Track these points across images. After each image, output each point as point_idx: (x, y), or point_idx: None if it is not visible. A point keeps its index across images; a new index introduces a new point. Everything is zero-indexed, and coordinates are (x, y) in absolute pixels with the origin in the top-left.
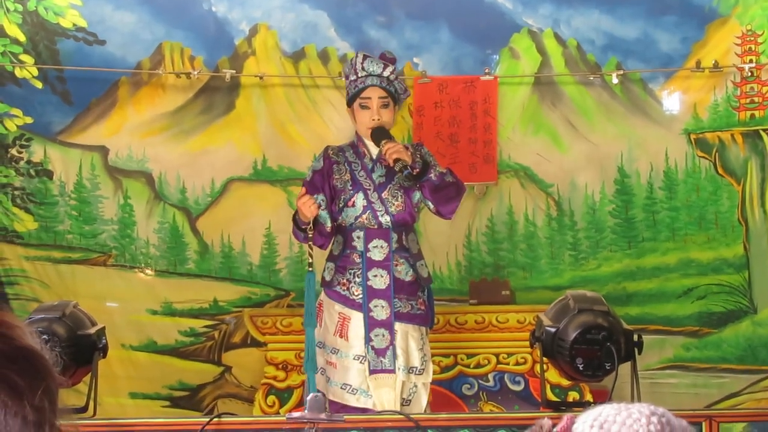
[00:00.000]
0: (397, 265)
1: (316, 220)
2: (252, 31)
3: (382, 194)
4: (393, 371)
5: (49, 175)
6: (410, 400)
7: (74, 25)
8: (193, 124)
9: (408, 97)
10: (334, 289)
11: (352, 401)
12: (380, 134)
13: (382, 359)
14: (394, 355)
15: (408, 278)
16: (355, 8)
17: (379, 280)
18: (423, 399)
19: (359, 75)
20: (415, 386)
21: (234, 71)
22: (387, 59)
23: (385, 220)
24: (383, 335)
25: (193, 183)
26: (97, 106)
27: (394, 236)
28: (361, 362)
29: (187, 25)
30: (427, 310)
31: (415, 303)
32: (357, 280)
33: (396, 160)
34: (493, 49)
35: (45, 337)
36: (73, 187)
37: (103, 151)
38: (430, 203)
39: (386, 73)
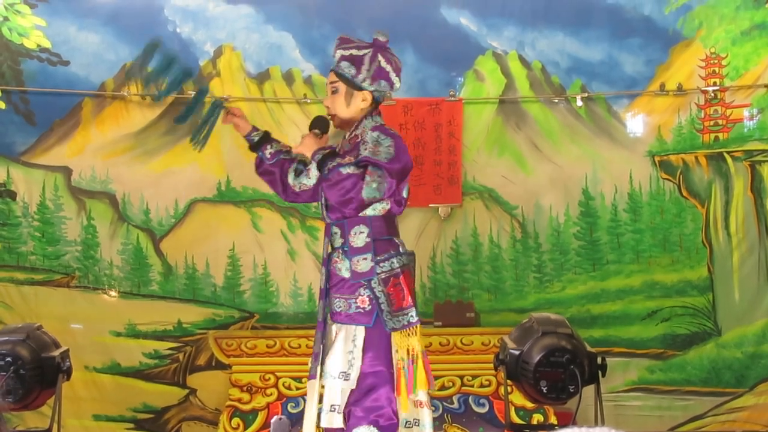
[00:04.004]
0: (337, 262)
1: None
2: (217, 53)
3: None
4: (314, 377)
5: (12, 195)
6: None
7: (38, 45)
8: (156, 145)
9: (377, 78)
10: None
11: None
12: (313, 124)
13: (312, 364)
14: (318, 360)
15: (347, 275)
16: (320, 30)
17: (322, 278)
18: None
19: None
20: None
21: None
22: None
23: (326, 214)
24: (318, 338)
25: (156, 204)
26: (61, 127)
27: (337, 231)
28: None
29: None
30: (373, 307)
31: (354, 301)
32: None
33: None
34: (458, 71)
35: (9, 359)
36: (36, 207)
37: (67, 171)
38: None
39: (335, 55)
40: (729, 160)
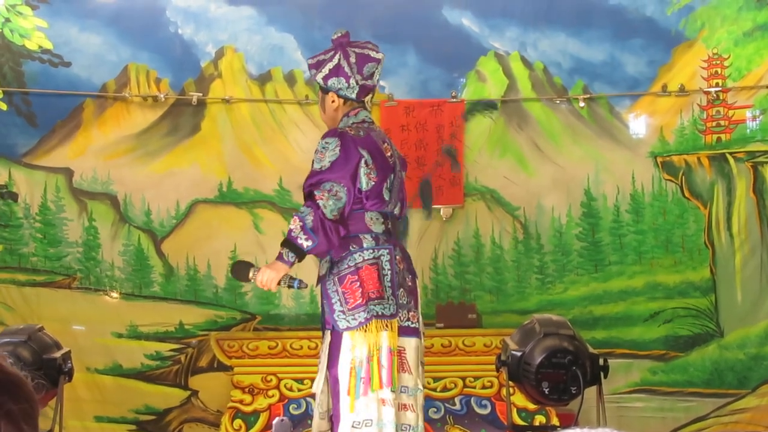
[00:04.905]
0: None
1: None
2: (218, 54)
3: None
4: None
5: (14, 197)
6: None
7: (40, 47)
8: (158, 146)
9: (332, 76)
10: None
11: None
12: (240, 273)
13: None
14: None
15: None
16: (322, 31)
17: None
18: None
19: None
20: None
21: (200, 93)
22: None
23: None
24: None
25: (158, 205)
26: (62, 128)
27: None
28: None
29: (153, 47)
30: (330, 310)
31: (327, 305)
32: None
33: (278, 284)
34: (460, 72)
35: (10, 361)
36: (38, 209)
37: (68, 173)
38: None
39: (309, 61)
40: (731, 161)
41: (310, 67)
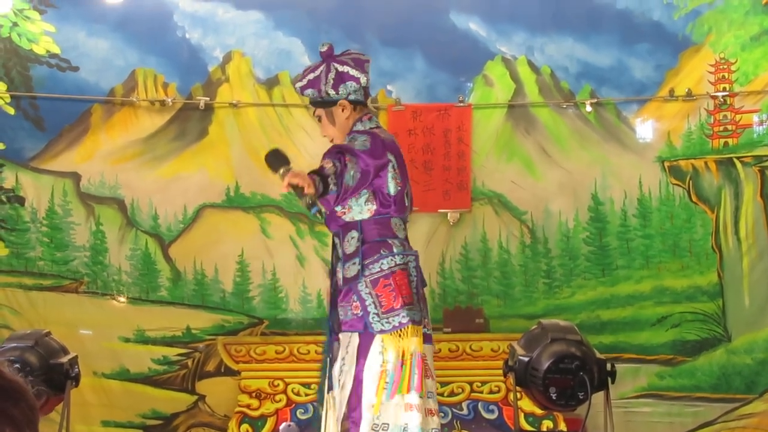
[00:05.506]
0: (338, 272)
1: None
2: (226, 58)
3: None
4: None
5: (21, 201)
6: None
7: (48, 51)
8: (165, 150)
9: (340, 83)
10: None
11: None
12: (273, 161)
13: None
14: (327, 374)
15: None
16: (329, 35)
17: (330, 289)
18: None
19: None
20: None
21: (208, 98)
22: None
23: (327, 224)
24: (327, 350)
25: (165, 209)
26: (70, 132)
27: (336, 240)
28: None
29: (161, 51)
30: (363, 313)
31: (350, 308)
32: None
33: (303, 196)
34: (467, 76)
35: (17, 366)
36: (45, 213)
37: (75, 177)
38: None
39: (298, 91)
40: (738, 165)
41: (304, 88)
